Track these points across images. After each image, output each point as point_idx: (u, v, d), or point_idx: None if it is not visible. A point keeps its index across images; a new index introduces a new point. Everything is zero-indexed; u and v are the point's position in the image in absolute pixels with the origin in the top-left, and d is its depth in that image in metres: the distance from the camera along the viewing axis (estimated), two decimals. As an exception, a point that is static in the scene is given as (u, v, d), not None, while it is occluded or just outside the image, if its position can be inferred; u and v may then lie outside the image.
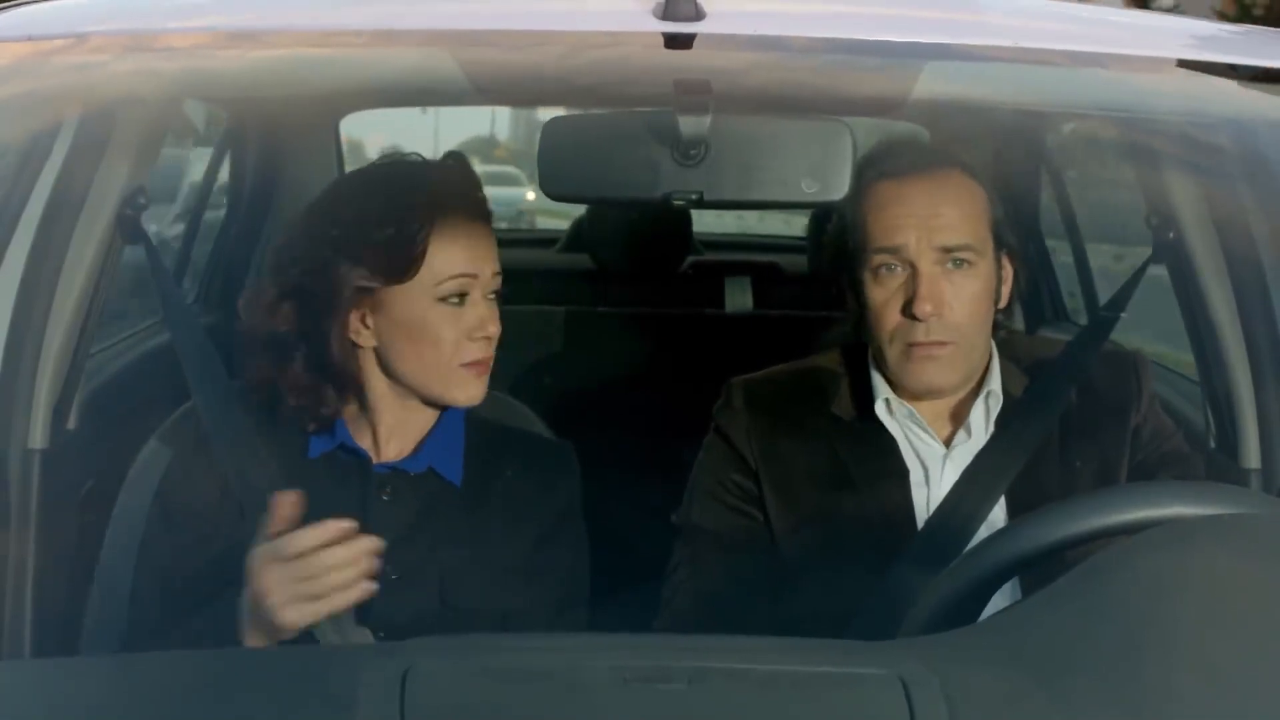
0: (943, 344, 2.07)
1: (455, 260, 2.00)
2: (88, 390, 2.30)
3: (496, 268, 2.03)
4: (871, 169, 2.14)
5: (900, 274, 2.07)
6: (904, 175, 2.11)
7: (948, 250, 2.07)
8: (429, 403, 2.05)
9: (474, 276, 2.01)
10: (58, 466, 2.19)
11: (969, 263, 2.08)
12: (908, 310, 2.06)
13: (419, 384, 2.03)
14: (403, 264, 1.99)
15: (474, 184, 2.09)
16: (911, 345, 2.07)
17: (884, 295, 2.08)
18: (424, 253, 1.99)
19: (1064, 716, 1.31)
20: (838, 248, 2.17)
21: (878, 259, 2.08)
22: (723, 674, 1.37)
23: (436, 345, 2.00)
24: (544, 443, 2.19)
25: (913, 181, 2.11)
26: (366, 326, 2.02)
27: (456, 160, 2.14)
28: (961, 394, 2.15)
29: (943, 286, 2.06)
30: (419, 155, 2.14)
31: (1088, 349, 2.26)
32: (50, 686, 1.46)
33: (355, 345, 2.03)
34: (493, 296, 2.03)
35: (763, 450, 2.16)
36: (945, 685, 1.30)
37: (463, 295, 2.00)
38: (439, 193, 2.04)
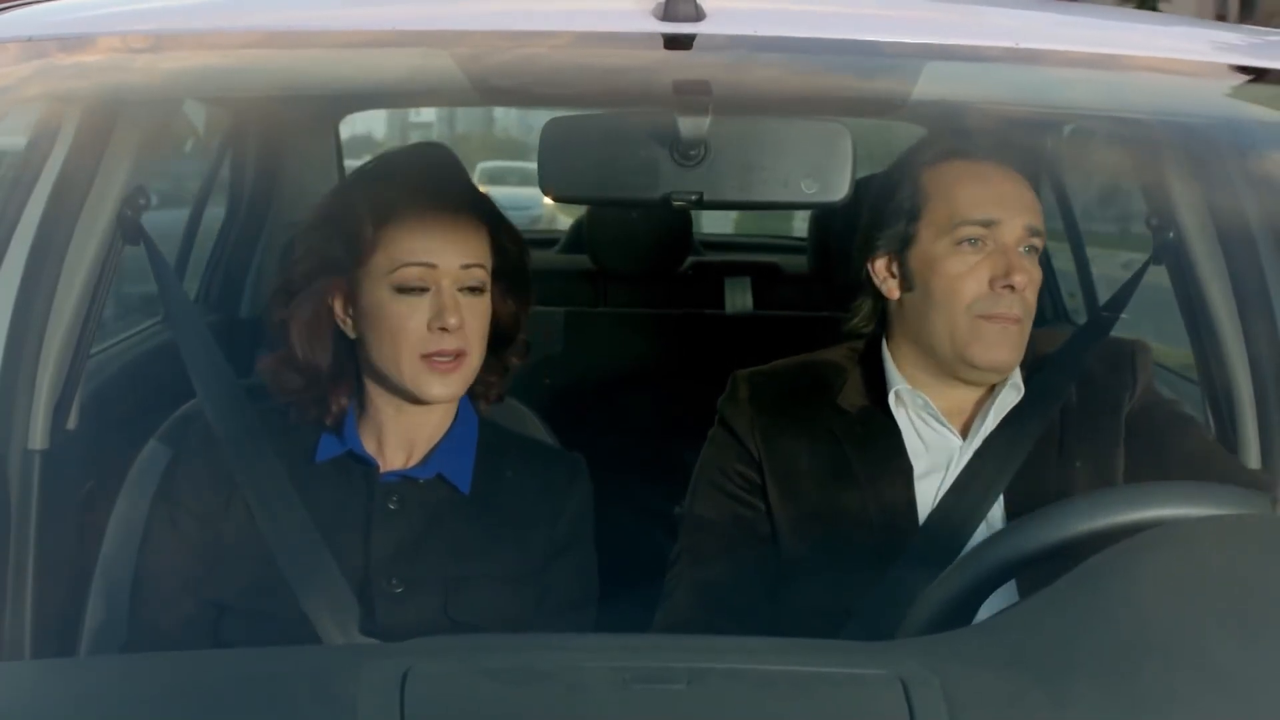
0: (1018, 319, 2.10)
1: (411, 248, 1.98)
2: (88, 390, 2.30)
3: (472, 260, 2.00)
4: (937, 146, 2.18)
5: (983, 248, 2.10)
6: (980, 159, 2.16)
7: (1031, 231, 2.12)
8: (408, 399, 2.02)
9: (432, 266, 1.98)
10: (58, 467, 2.19)
11: (1036, 249, 2.13)
12: (995, 283, 2.08)
13: (390, 377, 2.01)
14: (348, 249, 2.00)
15: (449, 176, 2.08)
16: (988, 317, 2.09)
17: (964, 267, 2.10)
18: (373, 239, 1.99)
19: (1065, 717, 1.31)
20: (887, 224, 2.16)
21: (966, 230, 2.10)
22: (723, 674, 1.37)
23: (395, 335, 1.98)
24: (556, 454, 2.18)
25: (991, 166, 2.15)
26: (349, 316, 2.02)
27: (437, 150, 2.14)
28: (979, 389, 2.16)
29: (1024, 262, 2.11)
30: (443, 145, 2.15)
31: (1086, 349, 2.26)
32: (50, 687, 1.47)
33: (346, 337, 2.03)
34: (470, 291, 2.00)
35: (767, 442, 2.16)
36: (946, 686, 1.30)
37: (419, 284, 1.98)
38: (404, 181, 2.04)
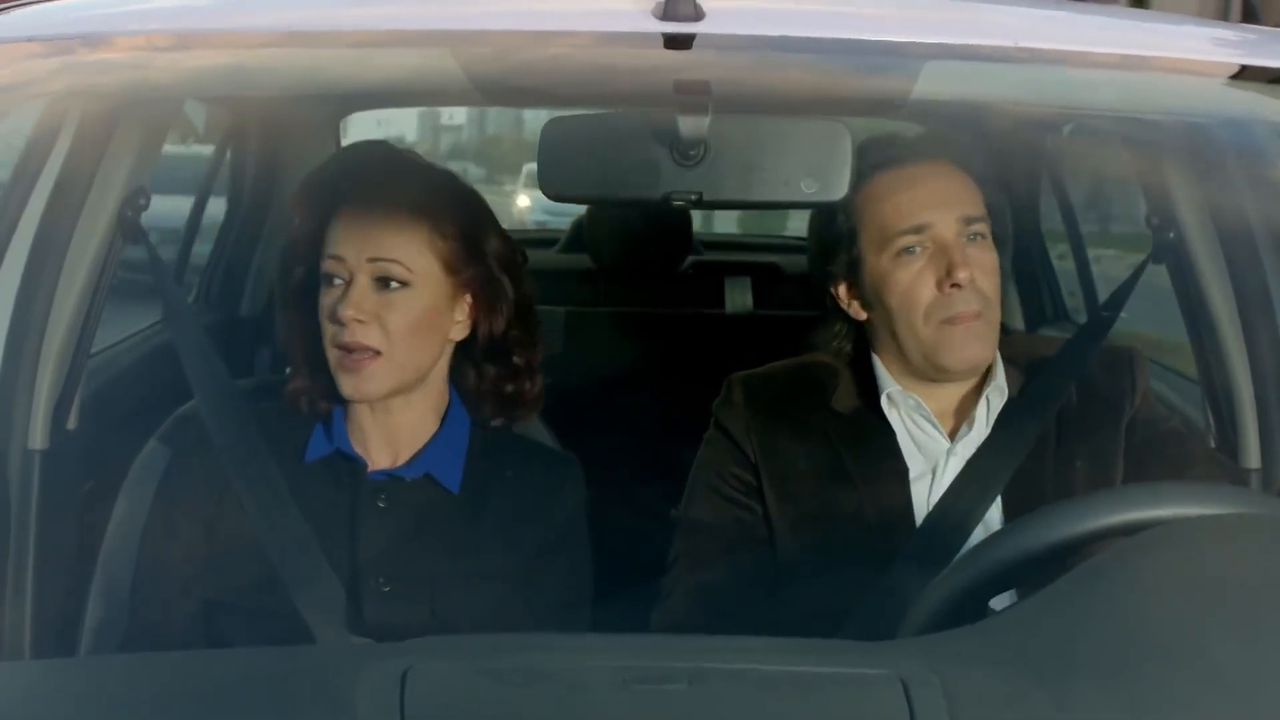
0: (978, 313, 2.10)
1: (328, 242, 2.00)
2: (88, 391, 2.30)
3: (383, 255, 1.97)
4: (862, 162, 2.16)
5: (923, 253, 2.10)
6: (906, 162, 2.15)
7: (968, 221, 2.11)
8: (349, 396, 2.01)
9: (340, 259, 1.98)
10: (58, 467, 2.19)
11: (982, 235, 2.13)
12: (942, 285, 2.09)
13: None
14: (290, 246, 2.05)
15: (370, 171, 2.07)
16: (949, 321, 2.09)
17: (910, 276, 2.10)
18: (311, 235, 2.02)
19: (1065, 716, 1.31)
20: (834, 251, 2.17)
21: (901, 241, 2.10)
22: (723, 675, 1.37)
23: (322, 326, 2.00)
24: (548, 453, 2.17)
25: (917, 166, 2.15)
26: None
27: (375, 147, 2.16)
28: (966, 389, 2.16)
29: (970, 254, 2.10)
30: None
31: (1085, 348, 2.26)
32: (50, 686, 1.47)
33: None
34: (384, 285, 1.97)
35: (762, 445, 2.16)
36: (946, 685, 1.30)
37: (334, 277, 1.98)
38: (334, 178, 2.07)
